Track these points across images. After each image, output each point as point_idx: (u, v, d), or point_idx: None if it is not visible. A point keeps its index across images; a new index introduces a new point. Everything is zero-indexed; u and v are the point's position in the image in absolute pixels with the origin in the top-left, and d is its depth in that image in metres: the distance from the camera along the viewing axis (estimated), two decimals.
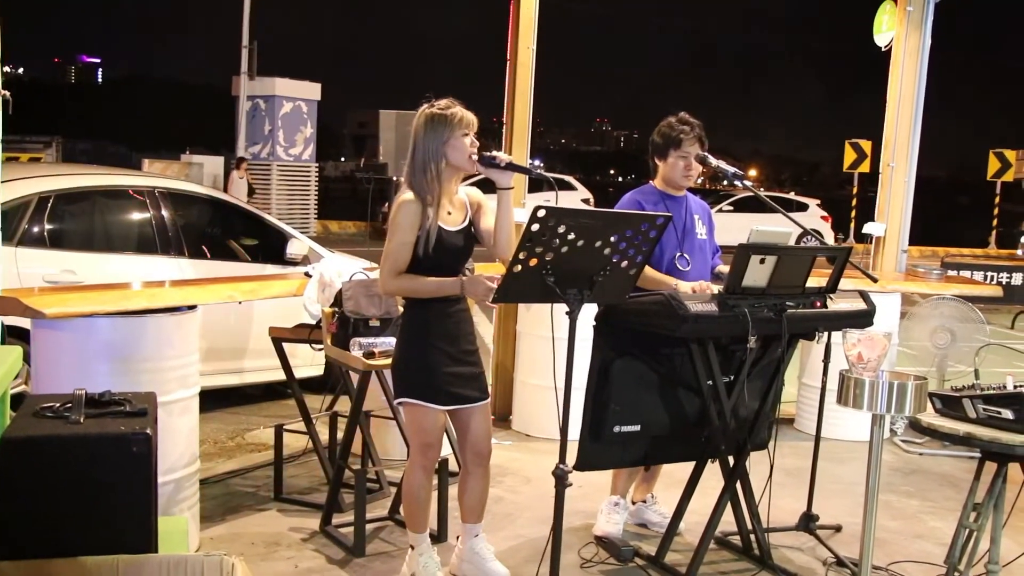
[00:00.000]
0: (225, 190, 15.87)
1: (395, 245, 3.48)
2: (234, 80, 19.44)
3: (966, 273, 12.75)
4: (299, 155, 19.59)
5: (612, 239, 3.12)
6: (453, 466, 4.49)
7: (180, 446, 3.97)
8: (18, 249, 5.32)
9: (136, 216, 6.08)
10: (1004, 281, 13.21)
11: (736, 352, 3.94)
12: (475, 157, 3.51)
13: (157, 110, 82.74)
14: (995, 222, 25.83)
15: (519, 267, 3.03)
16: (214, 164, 20.22)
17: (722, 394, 3.90)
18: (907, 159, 6.69)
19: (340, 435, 4.80)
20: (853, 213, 23.56)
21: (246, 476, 5.10)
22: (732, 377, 3.97)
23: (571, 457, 3.25)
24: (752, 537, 4.15)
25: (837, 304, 3.94)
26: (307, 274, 4.87)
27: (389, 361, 3.79)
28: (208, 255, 6.27)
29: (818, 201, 23.68)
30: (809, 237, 6.34)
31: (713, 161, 4.27)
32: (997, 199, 25.26)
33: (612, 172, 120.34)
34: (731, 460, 4.01)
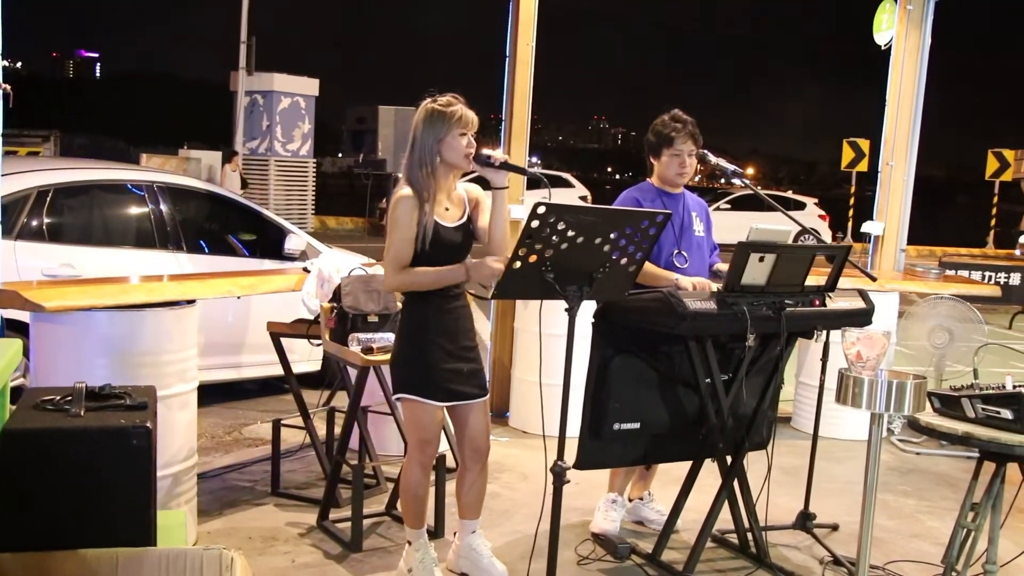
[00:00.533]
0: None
1: (396, 241, 3.47)
2: (232, 75, 19.44)
3: (964, 273, 12.73)
4: (297, 151, 19.60)
5: (612, 236, 3.12)
6: (451, 462, 4.50)
7: (178, 440, 3.98)
8: (17, 243, 5.31)
9: (135, 210, 6.08)
10: (1002, 281, 13.21)
11: (735, 350, 3.94)
12: (471, 155, 3.51)
13: (155, 105, 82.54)
14: (993, 222, 25.85)
15: (519, 263, 3.04)
16: (211, 159, 20.22)
17: (720, 392, 3.90)
18: (906, 158, 6.70)
19: (337, 430, 4.80)
20: (851, 212, 23.58)
21: (243, 471, 5.10)
22: (730, 375, 3.98)
23: (569, 456, 3.25)
24: (749, 535, 4.15)
25: (836, 303, 3.95)
26: (306, 269, 4.87)
27: (387, 357, 3.79)
28: (206, 250, 6.26)
29: (815, 200, 23.68)
30: (807, 236, 6.34)
31: (712, 158, 4.27)
32: (995, 199, 25.27)
33: (609, 169, 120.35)
34: (728, 458, 4.01)
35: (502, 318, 6.41)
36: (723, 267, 4.10)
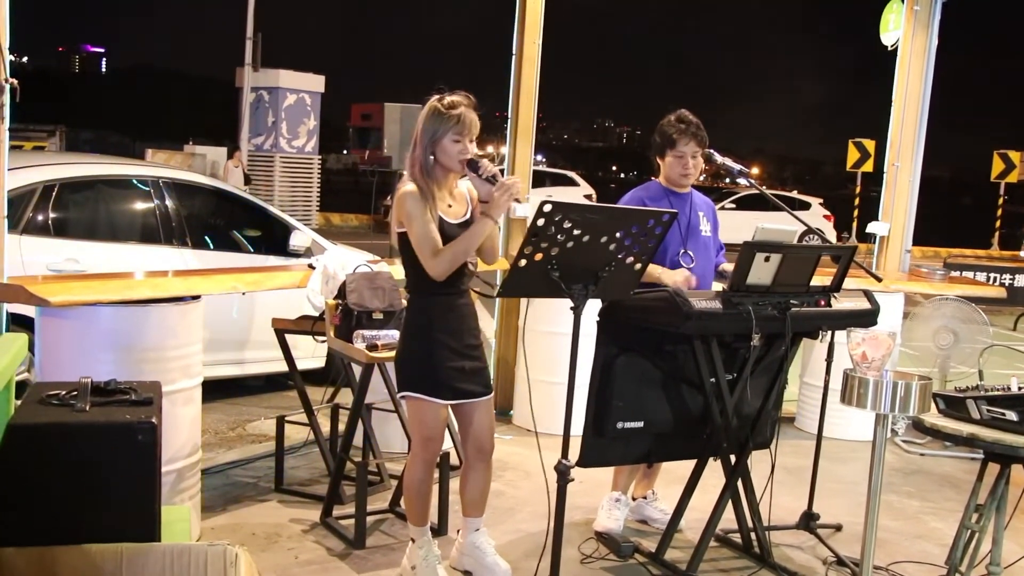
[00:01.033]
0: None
1: (418, 232, 3.43)
2: (238, 71, 19.42)
3: (969, 274, 12.73)
4: (302, 147, 19.58)
5: (618, 235, 3.12)
6: (454, 460, 4.50)
7: (182, 436, 3.98)
8: (22, 237, 5.31)
9: (140, 206, 6.08)
10: (1007, 282, 13.20)
11: (739, 350, 3.94)
12: (464, 161, 3.49)
13: (161, 100, 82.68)
14: (998, 223, 25.79)
15: (524, 261, 3.03)
16: (216, 155, 20.22)
17: (725, 392, 3.90)
18: (912, 159, 6.69)
19: (341, 427, 4.81)
20: (856, 212, 23.53)
21: (247, 467, 5.10)
22: (735, 375, 3.98)
23: (573, 454, 3.25)
24: (752, 535, 4.15)
25: (841, 303, 3.94)
26: (311, 266, 4.87)
27: (392, 354, 3.79)
28: (211, 245, 6.27)
29: (820, 200, 23.65)
30: (811, 236, 6.33)
31: (718, 158, 4.26)
32: (1001, 200, 25.22)
33: (614, 168, 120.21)
34: (732, 458, 4.01)
35: (506, 316, 6.40)
36: (729, 267, 4.09)
